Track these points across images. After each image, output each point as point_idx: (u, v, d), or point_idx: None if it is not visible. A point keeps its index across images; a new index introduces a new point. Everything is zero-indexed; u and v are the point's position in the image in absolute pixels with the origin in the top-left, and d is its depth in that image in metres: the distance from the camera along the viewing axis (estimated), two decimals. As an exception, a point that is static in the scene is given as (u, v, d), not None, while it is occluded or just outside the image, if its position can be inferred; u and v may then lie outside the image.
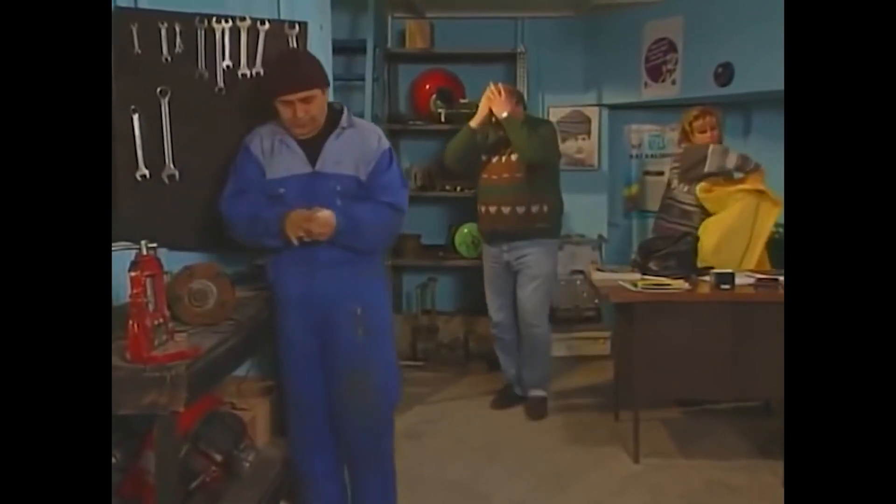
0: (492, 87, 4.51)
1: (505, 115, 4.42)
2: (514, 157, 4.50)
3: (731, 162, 4.53)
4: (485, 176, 4.64)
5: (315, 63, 2.94)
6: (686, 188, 4.60)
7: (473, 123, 4.54)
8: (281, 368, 3.05)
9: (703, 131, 4.63)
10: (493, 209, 4.59)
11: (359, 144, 2.96)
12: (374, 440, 3.05)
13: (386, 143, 3.01)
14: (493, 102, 4.47)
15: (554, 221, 4.67)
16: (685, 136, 4.74)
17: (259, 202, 2.91)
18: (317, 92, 2.88)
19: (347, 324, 2.93)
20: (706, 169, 4.52)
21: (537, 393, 4.76)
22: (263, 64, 3.16)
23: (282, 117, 2.89)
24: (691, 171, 4.57)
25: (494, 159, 4.60)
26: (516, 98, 4.63)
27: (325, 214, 2.83)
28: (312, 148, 2.92)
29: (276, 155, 2.92)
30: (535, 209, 4.55)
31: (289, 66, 2.90)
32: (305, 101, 2.85)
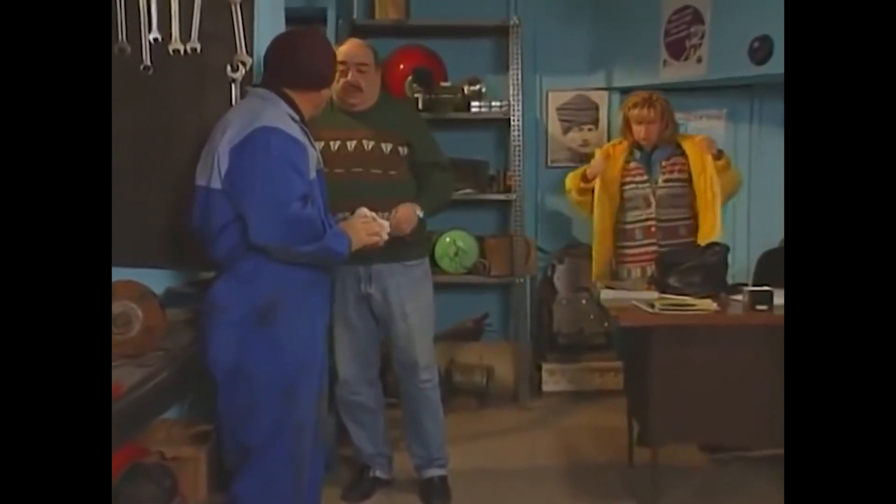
0: None
1: (421, 214, 3.96)
2: (368, 144, 4.01)
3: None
4: (326, 171, 3.76)
5: None
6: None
7: None
8: (287, 405, 2.99)
9: (640, 123, 4.69)
10: (340, 216, 3.66)
11: None
12: None
13: None
14: (401, 227, 3.93)
15: (422, 234, 4.21)
16: (626, 124, 4.81)
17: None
18: None
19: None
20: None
21: (435, 472, 4.25)
22: (281, 46, 3.08)
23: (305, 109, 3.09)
24: None
25: (336, 145, 3.99)
26: (374, 56, 4.03)
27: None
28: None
29: (309, 149, 3.02)
30: None
31: (331, 56, 3.18)
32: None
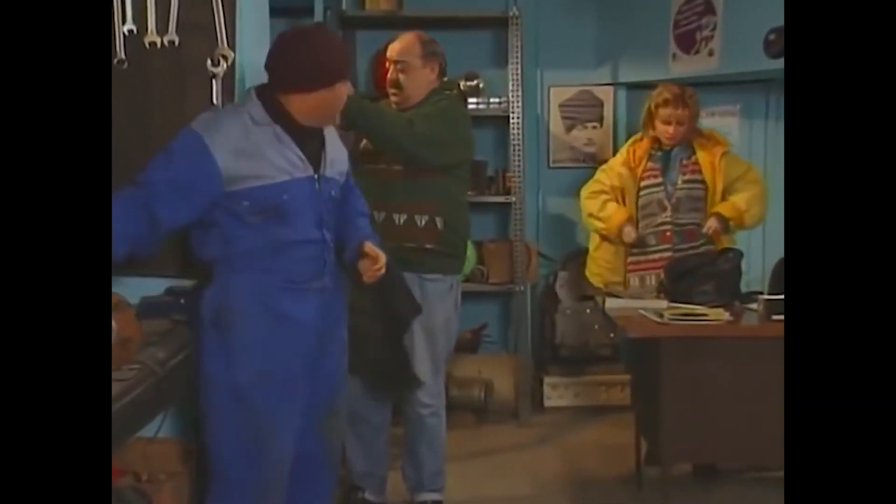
0: None
1: None
2: None
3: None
4: (362, 167, 3.99)
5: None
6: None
7: None
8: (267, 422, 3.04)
9: (668, 123, 4.62)
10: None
11: (337, 137, 3.25)
12: None
13: None
14: None
15: (452, 244, 4.09)
16: (649, 118, 4.73)
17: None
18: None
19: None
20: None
21: (429, 497, 4.22)
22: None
23: (297, 109, 3.00)
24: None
25: (364, 141, 4.06)
26: (421, 51, 4.06)
27: None
28: (307, 144, 3.05)
29: (267, 149, 2.95)
30: (422, 221, 3.97)
31: (330, 54, 3.07)
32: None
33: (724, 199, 4.67)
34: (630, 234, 4.70)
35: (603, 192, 4.83)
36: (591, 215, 4.86)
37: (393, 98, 4.06)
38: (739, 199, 4.64)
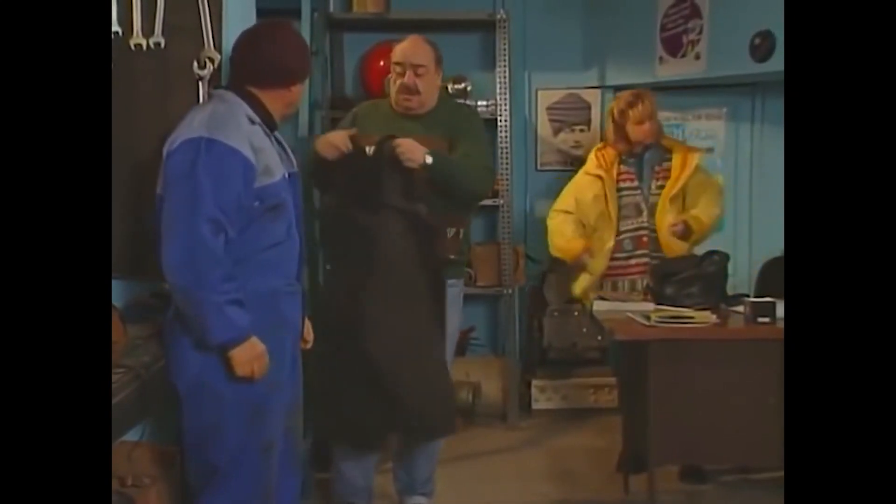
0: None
1: (430, 160, 3.73)
2: None
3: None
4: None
5: None
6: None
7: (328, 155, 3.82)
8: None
9: (640, 122, 4.60)
10: None
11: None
12: None
13: None
14: (404, 152, 3.71)
15: (463, 251, 4.19)
16: (617, 127, 4.69)
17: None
18: None
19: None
20: None
21: (418, 501, 4.22)
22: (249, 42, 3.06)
23: (274, 108, 3.03)
24: None
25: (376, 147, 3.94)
26: (434, 55, 4.06)
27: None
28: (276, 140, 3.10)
29: (268, 148, 2.96)
30: (450, 233, 4.03)
31: (301, 49, 3.14)
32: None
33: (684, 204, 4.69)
34: (587, 260, 4.76)
35: (566, 211, 4.83)
36: (553, 233, 4.90)
37: (406, 103, 3.97)
38: (705, 216, 4.66)
